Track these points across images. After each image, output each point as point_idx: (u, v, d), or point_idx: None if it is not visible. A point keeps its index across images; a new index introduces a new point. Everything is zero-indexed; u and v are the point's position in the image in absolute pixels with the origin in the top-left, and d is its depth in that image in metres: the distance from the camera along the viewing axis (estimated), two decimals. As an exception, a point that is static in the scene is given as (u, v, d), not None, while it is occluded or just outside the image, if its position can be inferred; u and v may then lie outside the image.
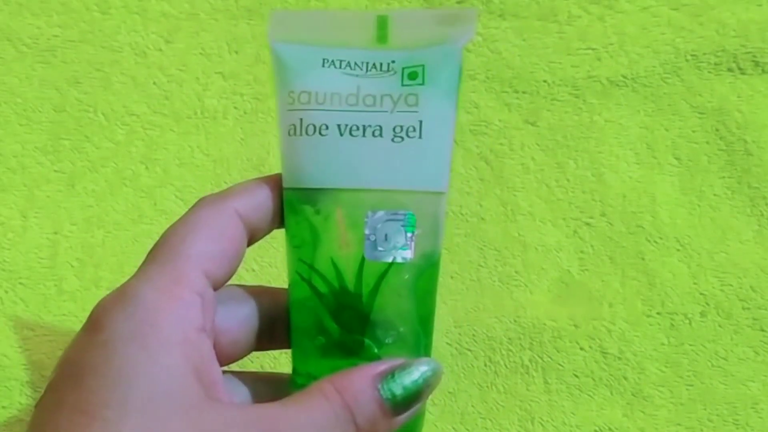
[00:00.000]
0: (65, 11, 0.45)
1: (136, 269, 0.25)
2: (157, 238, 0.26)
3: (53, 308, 0.41)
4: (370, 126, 0.27)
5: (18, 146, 0.43)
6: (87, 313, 0.24)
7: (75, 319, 0.41)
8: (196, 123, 0.44)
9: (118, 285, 0.25)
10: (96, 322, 0.24)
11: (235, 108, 0.44)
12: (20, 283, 0.41)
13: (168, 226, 0.26)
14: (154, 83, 0.44)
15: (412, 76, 0.27)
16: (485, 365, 0.41)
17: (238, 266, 0.27)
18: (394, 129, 0.27)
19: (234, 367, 0.28)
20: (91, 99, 0.44)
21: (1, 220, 0.42)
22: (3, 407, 0.39)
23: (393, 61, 0.27)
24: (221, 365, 0.26)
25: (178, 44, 0.45)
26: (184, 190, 0.43)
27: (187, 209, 0.27)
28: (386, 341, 0.27)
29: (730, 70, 0.44)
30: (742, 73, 0.44)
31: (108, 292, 0.25)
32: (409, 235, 0.27)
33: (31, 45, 0.44)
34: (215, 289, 0.26)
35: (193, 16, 0.45)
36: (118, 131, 0.43)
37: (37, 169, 0.43)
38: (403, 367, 0.25)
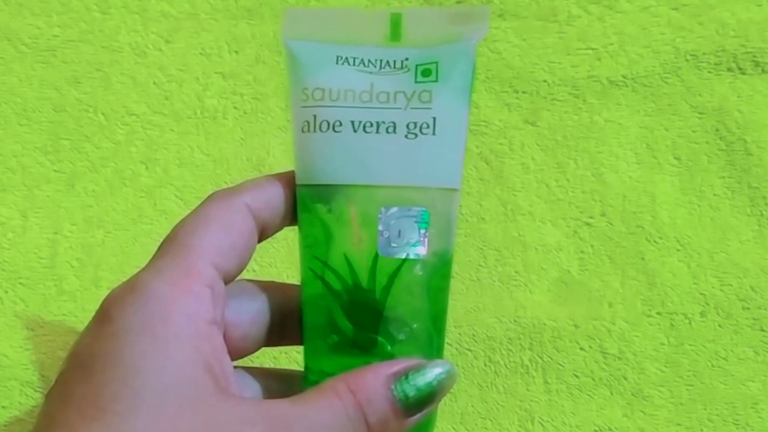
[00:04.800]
0: (65, 11, 0.45)
1: (136, 269, 0.25)
2: (159, 238, 0.26)
3: (53, 308, 0.41)
4: (383, 122, 0.27)
5: (18, 146, 0.43)
6: (87, 313, 0.24)
7: (75, 319, 0.41)
8: (196, 123, 0.44)
9: (117, 285, 0.25)
10: (106, 314, 0.24)
11: (235, 108, 0.44)
12: (20, 283, 0.41)
13: (168, 226, 0.26)
14: (154, 83, 0.44)
15: (426, 73, 0.27)
16: (485, 365, 0.41)
17: (248, 261, 0.27)
18: (407, 126, 0.27)
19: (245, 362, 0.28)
20: (91, 99, 0.44)
21: (1, 220, 0.42)
22: (3, 407, 0.39)
23: (406, 59, 0.27)
24: (232, 359, 0.26)
25: (178, 44, 0.45)
26: (184, 190, 0.43)
27: (187, 209, 0.27)
28: (399, 338, 0.26)
29: (730, 70, 0.44)
30: (742, 73, 0.44)
31: (109, 291, 0.25)
32: (422, 231, 0.27)
33: (31, 45, 0.44)
34: (226, 283, 0.26)
35: (193, 16, 0.45)
36: (118, 131, 0.43)
37: (37, 169, 0.43)
38: (417, 368, 0.25)
